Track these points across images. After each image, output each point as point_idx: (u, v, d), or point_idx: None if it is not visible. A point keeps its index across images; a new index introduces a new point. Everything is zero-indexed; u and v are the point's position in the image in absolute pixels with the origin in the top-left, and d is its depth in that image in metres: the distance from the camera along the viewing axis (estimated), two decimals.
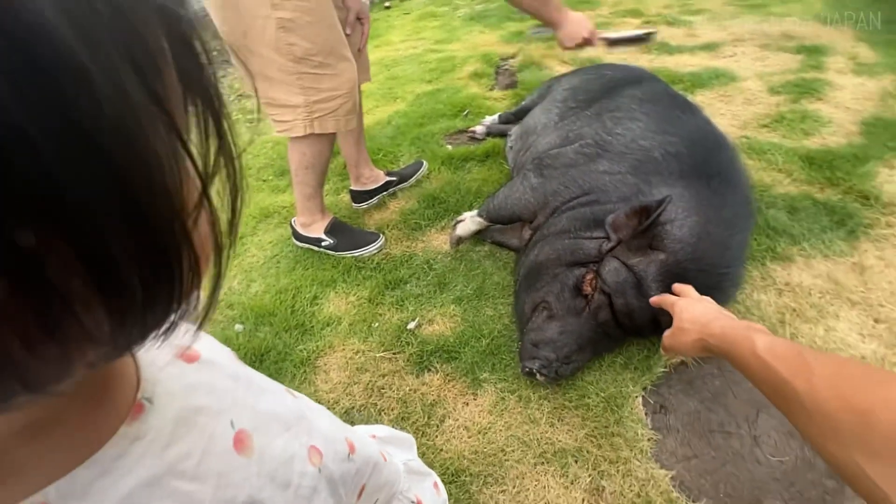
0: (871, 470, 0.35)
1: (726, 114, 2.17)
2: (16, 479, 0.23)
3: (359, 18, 1.56)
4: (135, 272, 0.18)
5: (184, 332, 0.24)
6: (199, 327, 0.25)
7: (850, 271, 1.32)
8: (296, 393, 0.46)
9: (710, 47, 2.91)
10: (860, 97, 2.14)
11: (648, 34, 1.71)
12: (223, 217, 0.24)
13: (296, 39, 1.22)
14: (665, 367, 1.15)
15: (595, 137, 1.39)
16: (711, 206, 1.13)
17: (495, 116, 2.23)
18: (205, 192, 0.21)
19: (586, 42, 1.47)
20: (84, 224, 0.16)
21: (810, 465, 0.94)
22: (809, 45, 2.72)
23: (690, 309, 0.74)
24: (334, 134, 1.46)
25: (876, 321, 1.19)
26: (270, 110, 1.38)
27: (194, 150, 0.20)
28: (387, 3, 5.42)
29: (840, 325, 1.19)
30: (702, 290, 0.87)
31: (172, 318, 0.21)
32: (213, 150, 0.22)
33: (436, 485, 0.68)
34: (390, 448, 0.67)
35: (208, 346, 0.37)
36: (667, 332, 0.78)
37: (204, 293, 0.24)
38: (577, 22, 1.45)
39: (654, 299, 0.88)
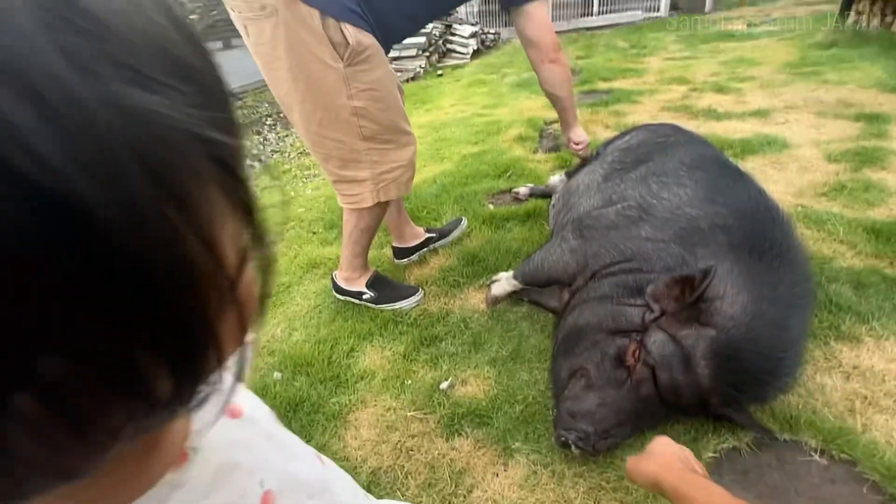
0: None
1: (779, 181, 2.10)
2: None
3: None
4: (164, 377, 0.19)
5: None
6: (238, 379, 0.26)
7: None
8: (325, 459, 0.47)
9: (760, 114, 2.87)
10: None
11: None
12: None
13: (366, 123, 1.34)
14: (715, 453, 1.05)
15: (639, 200, 1.36)
16: (765, 282, 1.07)
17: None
18: (233, 291, 0.21)
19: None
20: (117, 346, 0.17)
21: None
22: (869, 113, 2.63)
23: (668, 443, 0.74)
24: None
25: None
26: (340, 186, 1.49)
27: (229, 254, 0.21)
28: (439, 71, 5.81)
29: None
30: (757, 375, 0.81)
31: (195, 399, 0.22)
32: (244, 240, 0.22)
33: None
34: None
35: (251, 403, 0.39)
36: (632, 458, 0.75)
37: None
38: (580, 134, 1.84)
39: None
